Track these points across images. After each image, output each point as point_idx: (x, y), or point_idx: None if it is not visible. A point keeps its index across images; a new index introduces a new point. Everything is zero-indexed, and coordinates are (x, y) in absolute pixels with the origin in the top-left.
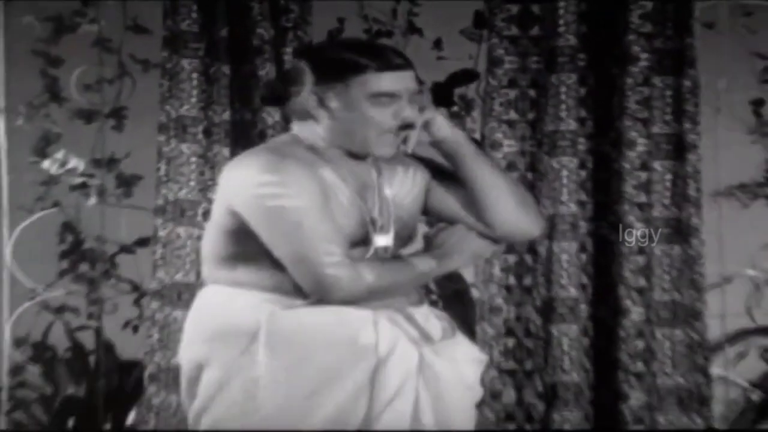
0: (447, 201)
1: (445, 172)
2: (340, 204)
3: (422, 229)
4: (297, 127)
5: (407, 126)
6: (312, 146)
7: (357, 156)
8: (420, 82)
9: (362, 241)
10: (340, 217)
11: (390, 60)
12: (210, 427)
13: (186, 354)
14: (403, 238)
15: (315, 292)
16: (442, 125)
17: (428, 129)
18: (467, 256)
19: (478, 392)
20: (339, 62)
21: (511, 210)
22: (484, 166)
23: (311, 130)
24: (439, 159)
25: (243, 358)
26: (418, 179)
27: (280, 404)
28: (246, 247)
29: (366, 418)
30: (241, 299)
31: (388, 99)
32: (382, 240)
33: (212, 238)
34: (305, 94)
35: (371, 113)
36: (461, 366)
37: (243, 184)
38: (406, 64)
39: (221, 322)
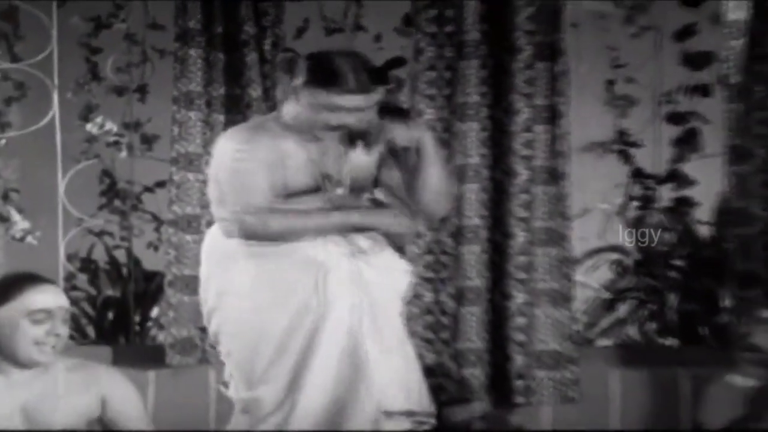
0: (392, 177)
1: (397, 156)
2: (294, 165)
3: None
4: (284, 106)
5: (337, 127)
6: (285, 122)
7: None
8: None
9: (315, 190)
10: (291, 175)
11: (349, 85)
12: (219, 323)
13: (201, 272)
14: (356, 189)
15: (228, 229)
16: (430, 142)
17: (418, 142)
18: (386, 225)
19: (405, 294)
20: (321, 73)
21: (435, 196)
22: (438, 163)
23: (288, 109)
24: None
25: (230, 273)
26: (375, 153)
27: (255, 307)
28: None
29: (315, 319)
30: None
31: (334, 109)
32: (339, 190)
33: (211, 186)
34: (294, 82)
35: (322, 114)
36: (394, 274)
37: (220, 151)
38: (361, 90)
39: (216, 247)
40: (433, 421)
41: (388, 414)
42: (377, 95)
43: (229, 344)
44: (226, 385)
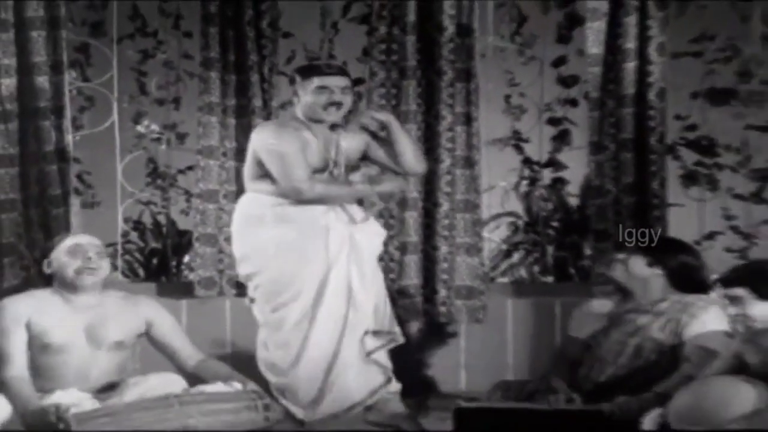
0: (378, 153)
1: (378, 139)
2: (312, 151)
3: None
4: (294, 108)
5: (333, 104)
6: (299, 118)
7: (321, 123)
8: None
9: (323, 169)
10: (310, 158)
11: (323, 70)
12: (250, 271)
13: (234, 229)
14: (348, 168)
15: (290, 194)
16: (394, 122)
17: (385, 123)
18: (389, 189)
19: (379, 250)
20: (307, 69)
21: (412, 158)
22: (403, 135)
23: (297, 109)
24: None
25: (260, 232)
26: (361, 140)
27: (278, 258)
28: (263, 171)
29: (323, 269)
30: (258, 199)
31: (322, 90)
32: (336, 170)
33: (248, 166)
34: (295, 87)
35: (314, 98)
36: (373, 238)
37: (260, 140)
38: (335, 73)
39: (247, 211)
40: (400, 340)
41: (374, 333)
42: (347, 80)
43: (257, 281)
44: (252, 300)
